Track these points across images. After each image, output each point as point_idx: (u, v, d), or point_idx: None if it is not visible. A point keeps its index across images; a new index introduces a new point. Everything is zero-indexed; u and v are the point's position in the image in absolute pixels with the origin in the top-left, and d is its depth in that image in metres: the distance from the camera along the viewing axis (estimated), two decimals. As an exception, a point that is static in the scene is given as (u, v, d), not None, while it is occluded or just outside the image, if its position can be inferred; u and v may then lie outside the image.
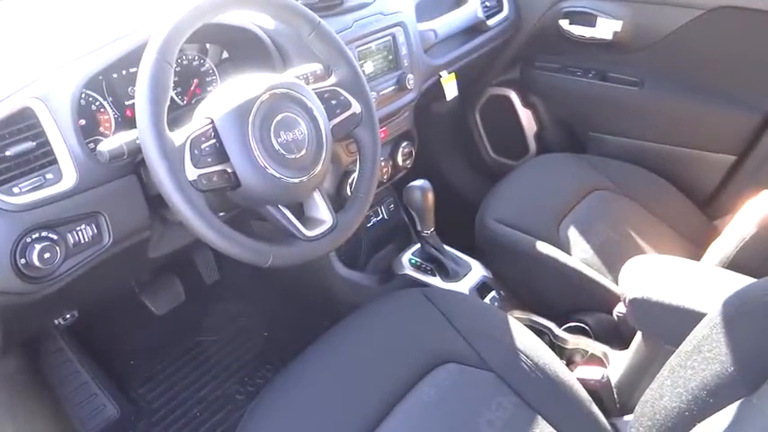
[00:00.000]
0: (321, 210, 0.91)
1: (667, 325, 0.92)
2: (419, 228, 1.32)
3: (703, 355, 0.72)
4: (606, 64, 1.63)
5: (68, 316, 1.09)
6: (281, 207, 0.85)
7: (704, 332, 0.73)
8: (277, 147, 0.81)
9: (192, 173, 0.74)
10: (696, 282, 0.94)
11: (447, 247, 1.38)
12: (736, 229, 1.02)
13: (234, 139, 0.78)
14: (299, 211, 0.91)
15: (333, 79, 0.95)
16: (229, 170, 0.78)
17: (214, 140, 0.78)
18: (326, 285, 1.38)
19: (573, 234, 1.33)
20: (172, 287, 1.48)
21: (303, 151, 0.84)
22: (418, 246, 1.40)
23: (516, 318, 1.15)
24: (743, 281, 0.90)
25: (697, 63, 1.50)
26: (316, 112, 0.86)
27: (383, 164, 1.38)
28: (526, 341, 1.01)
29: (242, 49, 1.07)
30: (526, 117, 1.86)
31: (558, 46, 1.68)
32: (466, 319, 1.04)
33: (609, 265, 1.27)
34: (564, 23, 1.61)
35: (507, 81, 1.83)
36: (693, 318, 0.79)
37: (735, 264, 1.00)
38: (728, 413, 0.66)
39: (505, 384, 0.94)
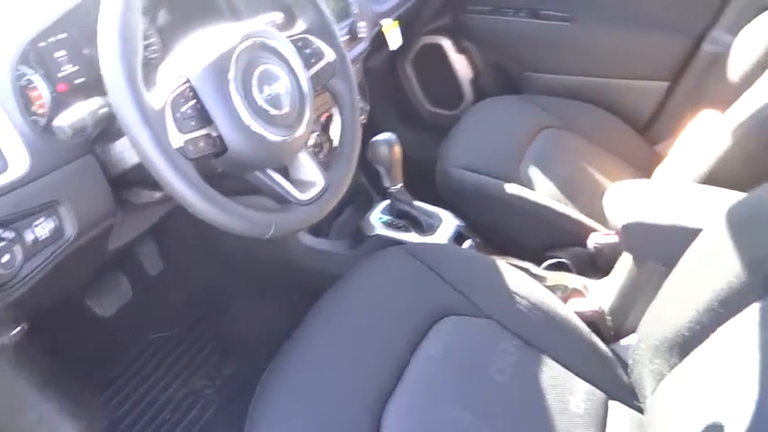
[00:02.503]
0: (309, 170, 0.83)
1: (663, 246, 0.93)
2: (386, 184, 1.26)
3: (710, 266, 0.72)
4: (536, 2, 1.62)
5: (18, 329, 0.95)
6: (269, 171, 0.77)
7: (707, 245, 0.73)
8: (261, 102, 0.72)
9: (177, 139, 0.65)
10: (684, 200, 0.95)
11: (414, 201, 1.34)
12: (707, 146, 1.04)
13: (215, 97, 0.68)
14: (285, 176, 0.83)
15: (302, 26, 0.86)
16: (214, 134, 0.69)
17: (194, 101, 0.68)
18: (292, 258, 1.30)
19: (534, 173, 1.33)
20: (117, 285, 1.33)
21: (287, 107, 0.75)
22: (385, 203, 1.35)
23: (494, 262, 1.13)
24: (729, 195, 0.92)
25: (626, -9, 1.52)
26: (294, 64, 0.78)
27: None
28: (518, 283, 1.00)
29: (184, 5, 0.95)
30: (460, 64, 1.83)
31: (488, -13, 1.65)
32: (455, 269, 1.01)
33: (573, 200, 1.28)
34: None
35: (439, 28, 1.79)
36: (690, 235, 0.79)
37: (711, 180, 1.02)
38: (743, 318, 0.66)
39: (506, 329, 0.92)
